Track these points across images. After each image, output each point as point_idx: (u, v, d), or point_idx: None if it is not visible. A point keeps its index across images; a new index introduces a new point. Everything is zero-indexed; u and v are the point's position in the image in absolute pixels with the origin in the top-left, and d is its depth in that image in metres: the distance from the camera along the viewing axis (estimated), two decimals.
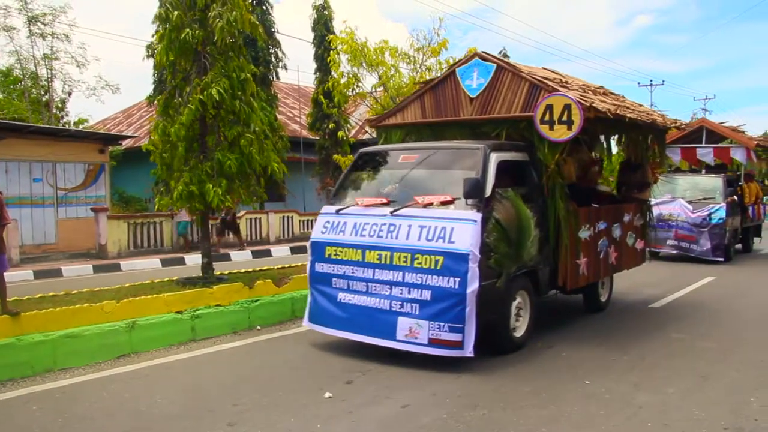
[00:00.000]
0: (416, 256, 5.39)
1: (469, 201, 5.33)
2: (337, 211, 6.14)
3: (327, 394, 4.73)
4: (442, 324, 5.22)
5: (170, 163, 7.95)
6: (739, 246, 14.28)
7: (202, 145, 8.02)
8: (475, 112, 6.68)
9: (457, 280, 5.17)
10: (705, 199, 12.58)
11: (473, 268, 5.15)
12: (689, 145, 14.02)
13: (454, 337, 5.19)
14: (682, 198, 12.68)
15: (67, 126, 23.10)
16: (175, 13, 7.62)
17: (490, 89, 6.59)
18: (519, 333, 5.91)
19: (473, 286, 5.14)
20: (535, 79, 6.30)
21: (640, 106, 8.15)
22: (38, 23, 21.59)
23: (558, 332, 6.67)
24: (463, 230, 5.26)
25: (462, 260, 5.16)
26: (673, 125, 8.05)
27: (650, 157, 8.31)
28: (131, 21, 52.64)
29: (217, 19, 7.50)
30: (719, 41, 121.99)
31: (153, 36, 8.78)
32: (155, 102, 11.11)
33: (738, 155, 13.58)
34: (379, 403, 4.58)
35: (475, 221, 5.26)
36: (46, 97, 24.04)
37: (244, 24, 7.76)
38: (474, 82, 6.71)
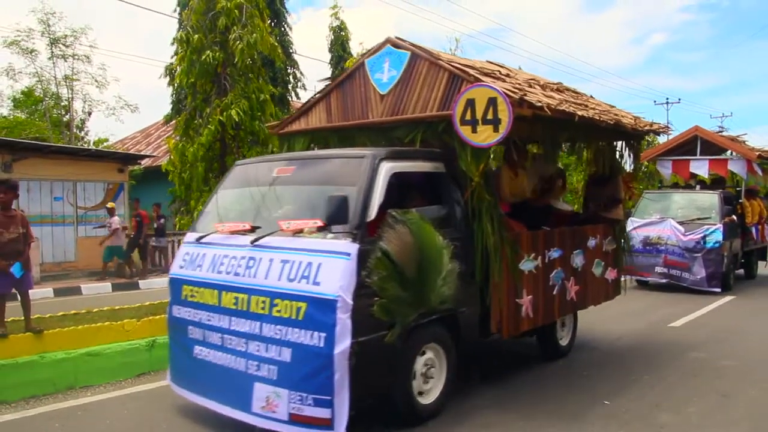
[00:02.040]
0: (275, 301, 4.00)
1: (336, 228, 3.93)
2: (198, 240, 4.77)
3: None
4: (304, 395, 3.79)
5: (189, 183, 8.07)
6: (741, 272, 12.70)
7: (222, 165, 8.10)
8: (385, 113, 5.30)
9: (323, 335, 3.75)
10: (699, 219, 11.04)
11: (343, 320, 3.72)
12: (681, 157, 12.56)
13: (321, 413, 3.75)
14: (672, 218, 11.15)
15: (86, 146, 23.53)
16: (196, 36, 7.83)
17: (403, 83, 5.21)
18: (428, 399, 4.45)
19: (343, 344, 3.71)
20: (455, 67, 4.91)
21: (611, 107, 6.73)
22: (60, 45, 22.09)
23: (577, 352, 6.54)
24: (331, 267, 3.84)
25: (328, 308, 3.74)
26: (648, 128, 6.60)
27: (622, 167, 6.88)
28: (147, 41, 52.70)
29: (238, 42, 7.68)
30: (736, 59, 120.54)
31: (172, 57, 9.08)
32: (174, 121, 11.46)
33: (737, 168, 12.09)
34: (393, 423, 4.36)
35: (349, 255, 3.84)
36: (67, 117, 24.64)
37: (264, 46, 7.94)
38: (385, 76, 5.33)
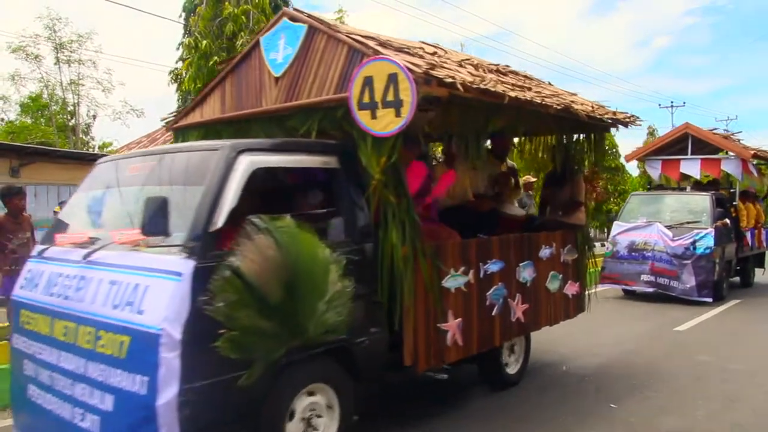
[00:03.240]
0: (100, 333, 3.12)
1: (171, 239, 3.04)
2: (39, 254, 3.89)
3: None
4: None
5: None
6: (736, 279, 11.70)
7: None
8: (279, 99, 4.40)
9: (145, 380, 2.85)
10: (688, 223, 10.06)
11: (168, 360, 2.82)
12: (671, 156, 11.60)
13: None
14: (660, 222, 10.18)
15: (92, 150, 23.61)
16: (204, 42, 8.09)
17: (299, 63, 4.31)
18: None
19: (169, 391, 2.81)
20: (355, 39, 4.01)
21: (572, 95, 5.80)
22: (65, 50, 22.48)
23: (581, 357, 6.45)
24: (157, 291, 2.94)
25: (150, 345, 2.84)
26: (611, 118, 5.64)
27: (583, 165, 5.94)
28: (149, 45, 52.14)
29: (245, 47, 7.76)
30: (741, 62, 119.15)
31: (177, 62, 9.39)
32: None
33: (731, 168, 11.11)
34: None
35: (180, 275, 2.93)
36: (73, 121, 24.72)
37: None
38: (280, 55, 4.44)
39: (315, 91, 4.16)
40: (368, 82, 3.70)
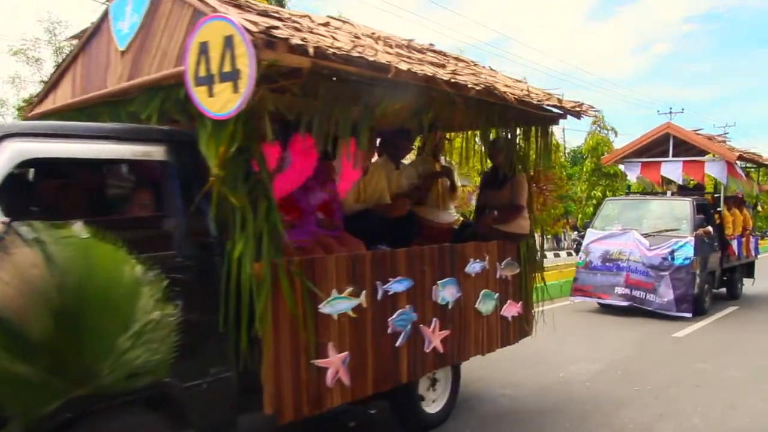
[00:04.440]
0: None
1: None
2: None
3: None
4: None
5: None
6: (723, 290, 10.82)
7: None
8: (123, 77, 3.55)
9: None
10: (666, 231, 9.20)
11: None
12: (651, 159, 10.75)
13: None
14: (636, 230, 9.31)
15: None
16: None
17: (144, 32, 3.47)
18: None
19: None
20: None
21: (516, 81, 4.92)
22: (65, 53, 21.39)
23: (580, 363, 6.40)
24: None
25: None
26: (555, 106, 4.76)
27: (527, 163, 5.08)
28: None
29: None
30: (741, 68, 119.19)
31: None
32: None
33: (715, 171, 10.25)
34: None
35: None
36: None
37: None
38: (126, 24, 3.59)
39: (156, 66, 3.31)
40: (204, 49, 2.86)
